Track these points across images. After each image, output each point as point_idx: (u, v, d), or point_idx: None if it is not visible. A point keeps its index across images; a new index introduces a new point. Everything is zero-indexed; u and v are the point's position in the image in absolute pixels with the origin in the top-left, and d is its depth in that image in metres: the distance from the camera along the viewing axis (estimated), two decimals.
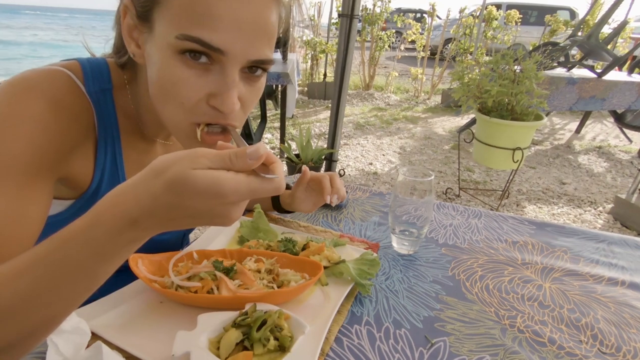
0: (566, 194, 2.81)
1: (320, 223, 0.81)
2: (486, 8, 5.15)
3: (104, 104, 0.49)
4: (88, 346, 0.40)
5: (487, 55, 5.31)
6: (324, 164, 2.47)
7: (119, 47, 0.51)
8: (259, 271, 0.55)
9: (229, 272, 0.52)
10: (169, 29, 0.40)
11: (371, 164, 3.23)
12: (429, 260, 0.70)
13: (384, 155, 3.45)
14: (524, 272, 0.68)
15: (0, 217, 0.38)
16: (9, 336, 0.31)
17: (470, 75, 2.43)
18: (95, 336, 0.46)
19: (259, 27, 0.41)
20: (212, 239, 0.68)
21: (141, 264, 0.52)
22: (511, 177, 2.33)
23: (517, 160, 2.10)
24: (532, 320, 0.56)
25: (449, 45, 5.69)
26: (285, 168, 2.99)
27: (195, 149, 0.31)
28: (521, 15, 5.58)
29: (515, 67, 2.19)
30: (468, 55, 5.32)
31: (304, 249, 0.62)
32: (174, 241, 0.71)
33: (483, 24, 5.27)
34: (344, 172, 2.92)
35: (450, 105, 5.17)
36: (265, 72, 0.45)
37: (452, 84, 2.52)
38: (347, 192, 0.93)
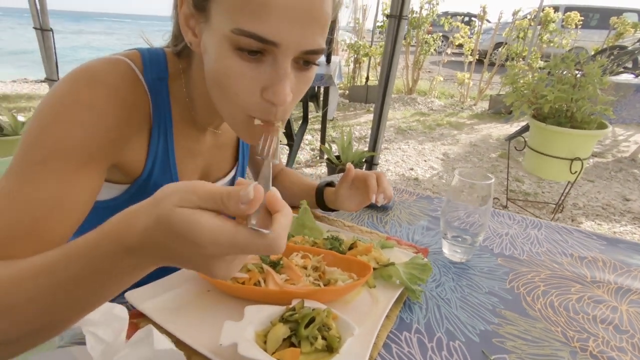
0: (630, 211, 2.56)
1: (365, 224, 0.79)
2: (543, 10, 4.86)
3: (159, 93, 0.50)
4: (138, 329, 0.40)
5: (542, 59, 5.00)
6: (364, 167, 2.43)
7: (177, 35, 0.51)
8: (305, 267, 0.53)
9: (275, 265, 0.51)
10: (225, 21, 0.39)
11: (412, 169, 3.14)
12: (483, 270, 0.65)
13: (425, 161, 3.34)
14: (594, 291, 0.61)
15: (48, 200, 0.40)
16: (9, 332, 0.31)
17: (524, 80, 2.29)
18: (144, 318, 0.46)
19: (313, 16, 0.39)
20: None
21: None
22: (567, 190, 2.16)
23: (576, 172, 1.94)
24: (607, 345, 0.50)
25: (500, 49, 5.42)
26: (324, 170, 2.98)
27: (193, 182, 0.28)
28: (582, 18, 5.20)
29: (577, 71, 2.03)
30: (521, 59, 5.04)
31: (350, 248, 0.60)
32: None
33: (539, 27, 4.97)
34: None
35: (499, 111, 4.92)
36: (315, 63, 0.44)
37: (503, 89, 2.38)
38: (393, 194, 0.90)
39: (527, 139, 2.19)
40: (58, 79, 2.36)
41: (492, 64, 5.34)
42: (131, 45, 0.56)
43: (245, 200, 0.26)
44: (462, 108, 5.38)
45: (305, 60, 0.42)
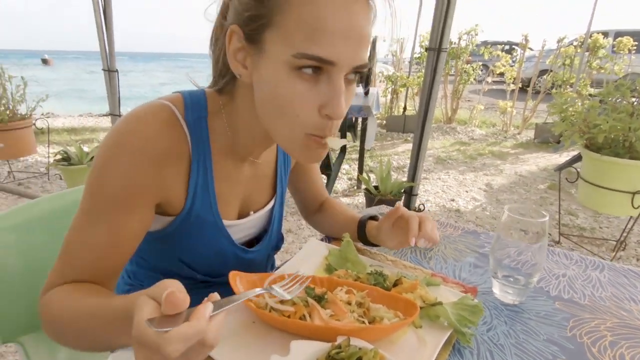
0: None
1: (408, 258, 0.77)
2: (591, 36, 4.68)
3: (199, 131, 0.54)
4: None
5: (591, 86, 4.76)
6: (402, 197, 2.40)
7: (216, 73, 0.55)
8: (349, 303, 0.53)
9: (320, 299, 0.51)
10: (285, 48, 0.43)
11: (453, 200, 3.04)
12: (539, 315, 0.60)
13: (467, 191, 3.23)
14: None
15: (105, 241, 0.49)
16: (73, 344, 0.46)
17: (573, 108, 2.19)
18: None
19: (361, 35, 0.44)
20: (301, 264, 0.69)
21: (239, 282, 0.54)
22: (630, 226, 1.97)
23: (639, 206, 1.78)
24: None
25: (544, 76, 5.25)
26: (362, 199, 2.97)
27: (159, 283, 0.34)
28: (635, 43, 4.93)
29: (633, 98, 1.91)
30: (568, 87, 4.83)
31: (395, 284, 0.59)
32: (260, 260, 0.73)
33: (587, 54, 4.77)
34: (424, 207, 2.79)
35: (546, 140, 4.69)
36: (361, 76, 0.48)
37: (550, 117, 2.28)
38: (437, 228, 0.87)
39: (579, 170, 2.06)
40: (120, 114, 2.60)
41: (536, 92, 5.16)
42: (185, 81, 0.62)
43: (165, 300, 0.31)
44: (505, 137, 5.20)
45: (353, 74, 0.46)
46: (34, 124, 3.14)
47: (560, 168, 2.68)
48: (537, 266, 0.61)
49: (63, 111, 6.63)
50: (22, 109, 3.08)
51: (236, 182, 0.62)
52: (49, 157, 3.37)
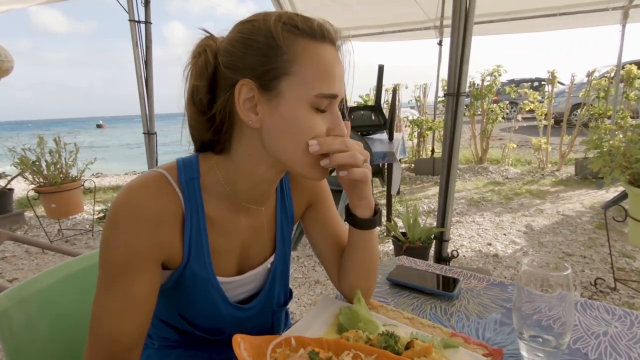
0: None
1: (427, 315, 0.72)
2: (623, 67, 4.55)
3: (191, 190, 0.58)
4: None
5: (632, 117, 4.53)
6: (433, 243, 2.30)
7: (204, 133, 0.59)
8: None
9: None
10: (304, 90, 0.53)
11: (490, 244, 2.87)
12: None
13: (505, 235, 3.05)
14: None
15: (121, 307, 0.53)
16: None
17: (611, 142, 2.07)
18: None
19: (342, 75, 0.58)
20: (311, 324, 0.67)
21: (242, 347, 0.53)
22: None
23: None
24: None
25: (578, 110, 5.08)
26: (392, 247, 2.88)
27: None
28: None
29: None
30: (605, 119, 4.63)
31: (407, 347, 0.55)
32: (261, 319, 0.73)
33: (622, 85, 4.61)
34: (457, 253, 2.65)
35: (587, 177, 4.42)
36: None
37: (588, 153, 2.17)
38: (459, 279, 0.82)
39: (627, 208, 1.90)
40: None
41: (571, 126, 4.98)
42: None
43: None
44: (542, 175, 4.96)
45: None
46: (83, 185, 3.42)
47: (606, 206, 2.48)
48: (566, 326, 0.55)
49: (111, 171, 7.21)
50: (73, 171, 3.39)
51: (233, 235, 0.64)
52: (93, 215, 3.62)
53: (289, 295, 0.76)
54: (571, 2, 4.05)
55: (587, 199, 3.83)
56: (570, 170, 5.00)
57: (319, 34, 0.54)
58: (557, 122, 5.56)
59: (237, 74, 0.54)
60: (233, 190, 0.61)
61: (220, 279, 0.63)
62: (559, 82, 5.18)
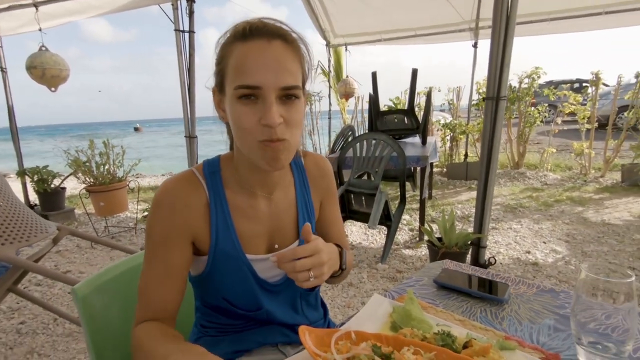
0: None
1: (478, 318, 0.73)
2: None
3: (214, 182, 0.70)
4: None
5: None
6: (470, 249, 2.26)
7: (228, 136, 0.73)
8: None
9: (387, 359, 0.52)
10: (230, 85, 0.60)
11: (529, 252, 2.77)
12: None
13: (545, 243, 2.93)
14: None
15: (159, 274, 0.65)
16: None
17: None
18: None
19: (280, 64, 0.59)
20: (363, 322, 0.69)
21: (308, 337, 0.57)
22: None
23: None
24: None
25: (625, 113, 4.80)
26: (425, 252, 2.85)
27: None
28: None
29: None
30: None
31: (465, 347, 0.57)
32: (292, 299, 0.80)
33: None
34: (495, 260, 2.59)
35: (638, 183, 4.17)
36: (296, 97, 0.61)
37: (637, 159, 2.07)
38: (508, 284, 0.83)
39: None
40: None
41: (618, 129, 4.71)
42: None
43: None
44: (585, 181, 4.72)
45: (286, 95, 0.60)
46: (128, 185, 3.63)
47: None
48: (629, 333, 0.55)
49: (149, 171, 7.58)
50: (119, 172, 3.61)
51: (256, 220, 0.72)
52: (137, 213, 3.82)
53: None
54: (617, 1, 3.86)
55: (636, 207, 3.62)
56: (615, 176, 4.74)
57: (241, 34, 0.60)
58: (601, 125, 5.28)
59: (213, 83, 0.68)
60: (242, 177, 0.71)
61: (249, 256, 0.71)
62: (603, 84, 4.92)
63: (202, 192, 0.69)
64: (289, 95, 0.61)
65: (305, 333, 0.57)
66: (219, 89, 0.66)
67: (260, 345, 0.78)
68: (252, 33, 0.60)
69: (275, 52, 0.59)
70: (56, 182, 3.92)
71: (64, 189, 3.98)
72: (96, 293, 0.80)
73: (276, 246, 0.75)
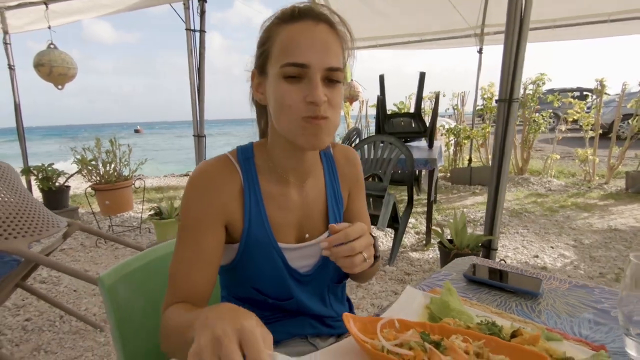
0: None
1: (514, 311, 0.72)
2: None
3: (248, 168, 0.70)
4: None
5: None
6: (480, 252, 2.25)
7: (258, 125, 0.75)
8: (467, 352, 0.51)
9: (437, 346, 0.50)
10: (276, 65, 0.61)
11: (537, 256, 2.76)
12: None
13: (552, 247, 2.93)
14: None
15: (192, 257, 0.64)
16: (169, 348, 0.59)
17: None
18: None
19: (326, 45, 0.60)
20: (401, 312, 0.68)
21: (352, 323, 0.55)
22: None
23: None
24: None
25: (628, 121, 4.82)
26: (431, 254, 2.84)
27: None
28: None
29: None
30: None
31: (514, 335, 0.56)
32: (321, 289, 0.79)
33: None
34: (505, 263, 2.57)
35: None
36: (338, 81, 0.62)
37: None
38: (540, 279, 0.82)
39: None
40: None
41: (622, 138, 4.73)
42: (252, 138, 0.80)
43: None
44: (589, 187, 4.73)
45: (329, 78, 0.61)
46: (133, 184, 3.61)
47: None
48: None
49: (150, 172, 7.55)
50: (124, 171, 3.59)
51: (287, 209, 0.72)
52: (142, 212, 3.80)
53: (343, 275, 0.80)
54: (623, 8, 3.89)
55: None
56: (619, 183, 4.75)
57: (289, 16, 0.61)
58: (604, 134, 5.30)
59: (253, 66, 0.68)
60: (275, 164, 0.71)
61: (280, 244, 0.70)
62: (606, 93, 4.94)
63: (237, 178, 0.69)
64: (331, 79, 0.62)
65: (350, 320, 0.56)
66: (260, 71, 0.66)
67: (290, 336, 0.76)
68: (300, 15, 0.61)
69: (322, 34, 0.61)
70: (60, 180, 3.90)
71: (68, 187, 3.96)
72: (122, 282, 0.79)
73: (307, 235, 0.74)
